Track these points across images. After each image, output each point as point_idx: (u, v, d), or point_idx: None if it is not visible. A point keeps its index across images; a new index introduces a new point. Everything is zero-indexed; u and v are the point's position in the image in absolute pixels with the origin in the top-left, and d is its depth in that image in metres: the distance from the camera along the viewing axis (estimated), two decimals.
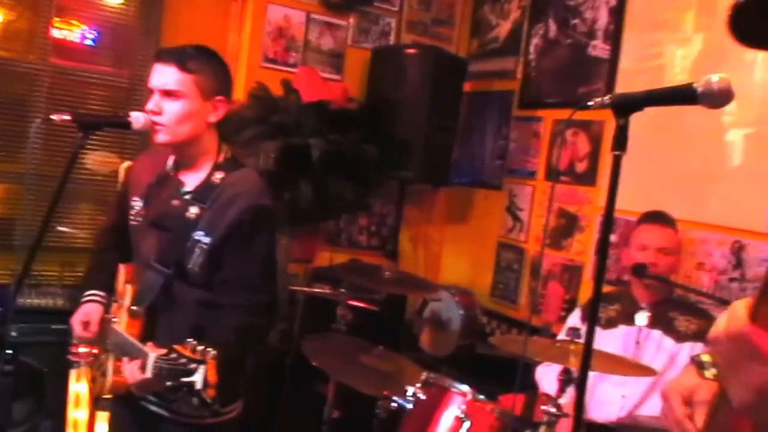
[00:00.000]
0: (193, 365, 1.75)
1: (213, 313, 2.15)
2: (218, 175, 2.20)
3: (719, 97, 1.34)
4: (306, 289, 3.96)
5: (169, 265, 2.16)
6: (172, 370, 1.76)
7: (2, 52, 3.84)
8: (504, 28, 4.61)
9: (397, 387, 2.83)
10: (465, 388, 2.65)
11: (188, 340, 1.82)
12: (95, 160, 3.89)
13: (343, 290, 3.46)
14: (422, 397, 2.72)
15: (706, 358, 1.44)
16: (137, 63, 4.03)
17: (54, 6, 3.87)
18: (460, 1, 4.88)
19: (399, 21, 4.66)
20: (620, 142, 1.50)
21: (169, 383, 1.77)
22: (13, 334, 3.32)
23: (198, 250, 2.14)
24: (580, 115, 1.51)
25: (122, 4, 4.07)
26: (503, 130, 4.53)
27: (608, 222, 1.54)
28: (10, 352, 2.26)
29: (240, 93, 4.15)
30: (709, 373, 1.42)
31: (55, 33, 3.89)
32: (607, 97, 1.50)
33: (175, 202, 2.21)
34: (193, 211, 2.17)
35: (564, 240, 4.04)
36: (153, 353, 1.82)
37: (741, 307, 0.79)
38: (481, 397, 2.63)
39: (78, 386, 2.33)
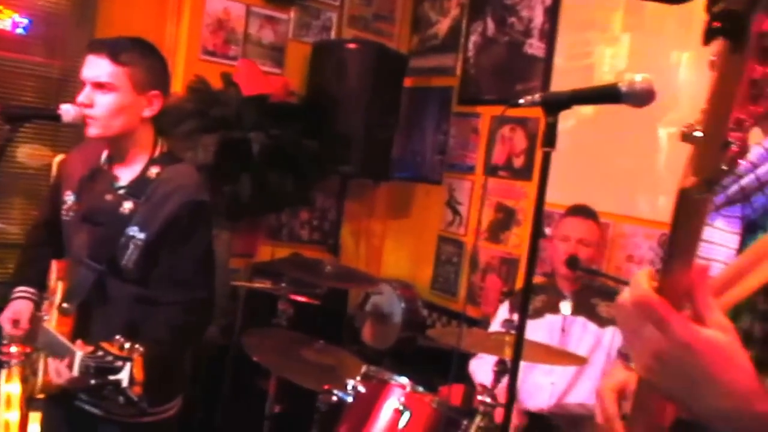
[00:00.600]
0: (119, 363, 1.74)
1: (148, 309, 2.12)
2: (154, 170, 2.17)
3: (642, 97, 1.39)
4: (247, 284, 3.94)
5: (102, 261, 2.12)
6: (99, 368, 1.74)
7: None
8: (444, 25, 4.65)
9: (338, 381, 2.83)
10: (404, 380, 2.68)
11: (116, 337, 1.80)
12: (27, 153, 3.79)
13: (284, 285, 3.45)
14: (362, 390, 2.73)
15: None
16: (70, 54, 3.89)
17: None
18: None
19: (340, 16, 4.65)
20: (549, 139, 1.55)
21: (95, 381, 1.74)
22: None
23: (132, 246, 2.10)
24: (517, 112, 1.56)
25: None
26: (443, 125, 4.59)
27: (538, 216, 1.60)
28: None
29: (178, 86, 4.08)
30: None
31: None
32: (537, 96, 1.55)
33: (109, 197, 2.16)
34: (127, 206, 2.13)
35: (502, 233, 4.12)
36: (80, 351, 1.80)
37: (643, 276, 0.81)
38: (420, 388, 2.66)
39: (9, 387, 2.26)
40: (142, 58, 2.14)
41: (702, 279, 0.78)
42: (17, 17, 3.84)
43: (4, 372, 2.28)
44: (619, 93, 1.40)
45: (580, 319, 3.05)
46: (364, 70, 4.16)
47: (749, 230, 1.07)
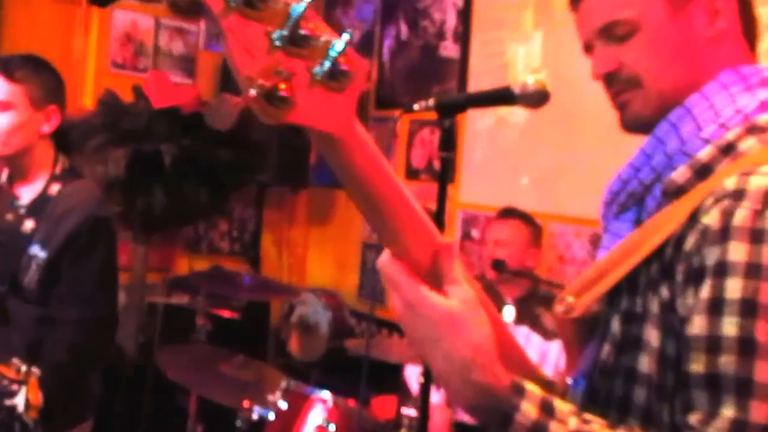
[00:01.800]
0: (14, 386, 1.70)
1: (49, 329, 2.06)
2: (55, 187, 2.14)
3: (535, 99, 1.38)
4: (164, 299, 3.84)
5: (3, 281, 2.08)
6: None
7: None
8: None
9: (259, 396, 2.79)
10: (326, 394, 2.66)
11: (13, 360, 1.76)
12: None
13: (201, 299, 3.37)
14: (283, 405, 2.69)
15: None
16: None
17: None
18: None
19: None
20: (446, 143, 1.51)
21: None
22: None
23: (34, 265, 2.07)
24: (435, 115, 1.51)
25: None
26: None
27: (439, 222, 1.56)
28: None
29: (88, 100, 4.01)
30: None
31: None
32: (430, 101, 1.51)
33: (9, 216, 2.13)
34: (29, 224, 2.10)
35: None
36: None
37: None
38: (342, 402, 2.64)
39: None
40: (37, 73, 2.12)
41: (447, 254, 0.87)
42: None
43: None
44: (513, 95, 1.38)
45: (524, 329, 2.89)
46: None
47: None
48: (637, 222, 1.03)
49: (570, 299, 1.03)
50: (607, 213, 1.14)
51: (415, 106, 1.52)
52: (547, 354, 2.86)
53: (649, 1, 1.03)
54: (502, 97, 1.43)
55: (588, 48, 1.12)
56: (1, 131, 2.04)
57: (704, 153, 0.95)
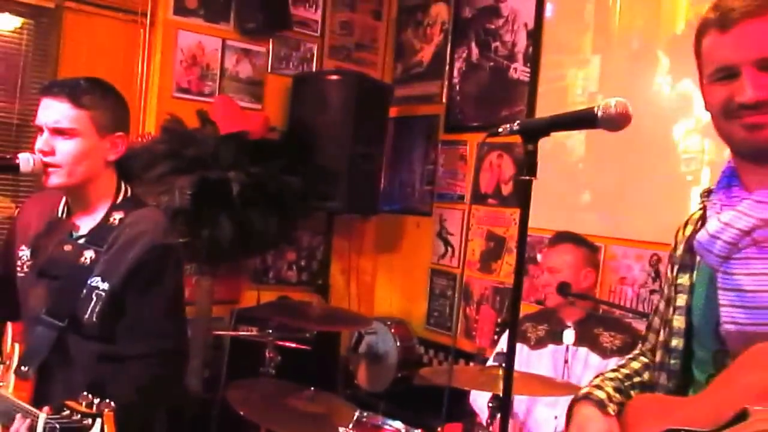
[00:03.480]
0: (88, 420, 1.61)
1: (113, 367, 1.98)
2: (117, 216, 2.05)
3: (617, 121, 1.37)
4: (230, 332, 3.78)
5: (62, 317, 1.98)
6: (66, 428, 1.61)
7: None
8: (427, 52, 4.59)
9: (331, 429, 2.73)
10: (398, 424, 2.69)
11: (84, 393, 1.66)
12: None
13: (270, 331, 3.31)
14: None
15: (601, 394, 1.50)
16: (30, 96, 3.75)
17: None
18: (382, 25, 4.83)
19: (320, 46, 4.57)
20: (529, 167, 1.48)
21: None
22: None
23: (95, 297, 1.97)
24: (504, 138, 1.48)
25: (16, 30, 3.82)
26: (430, 154, 4.50)
27: (522, 246, 1.54)
28: None
29: (151, 126, 3.98)
30: (611, 409, 1.47)
31: None
32: (515, 124, 1.49)
33: (67, 248, 2.04)
34: (88, 255, 2.01)
35: (493, 263, 4.02)
36: (43, 414, 1.66)
37: None
38: (416, 431, 2.60)
39: None
40: (104, 99, 2.04)
41: None
42: None
43: None
44: (595, 118, 1.38)
45: (583, 350, 2.96)
46: (346, 101, 4.06)
47: None
48: None
49: None
50: (729, 251, 1.28)
51: (500, 130, 1.51)
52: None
53: None
54: (585, 120, 1.42)
55: (726, 72, 1.27)
56: (66, 159, 1.97)
57: None
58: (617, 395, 1.51)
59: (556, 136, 3.40)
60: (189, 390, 3.83)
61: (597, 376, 1.63)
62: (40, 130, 2.00)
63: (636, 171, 3.33)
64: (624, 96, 1.38)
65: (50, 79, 3.61)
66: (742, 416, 1.17)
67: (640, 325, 3.02)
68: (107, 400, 1.65)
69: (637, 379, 1.57)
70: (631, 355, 1.65)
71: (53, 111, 1.97)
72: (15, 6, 3.77)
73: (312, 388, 2.97)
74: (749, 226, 1.25)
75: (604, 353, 2.92)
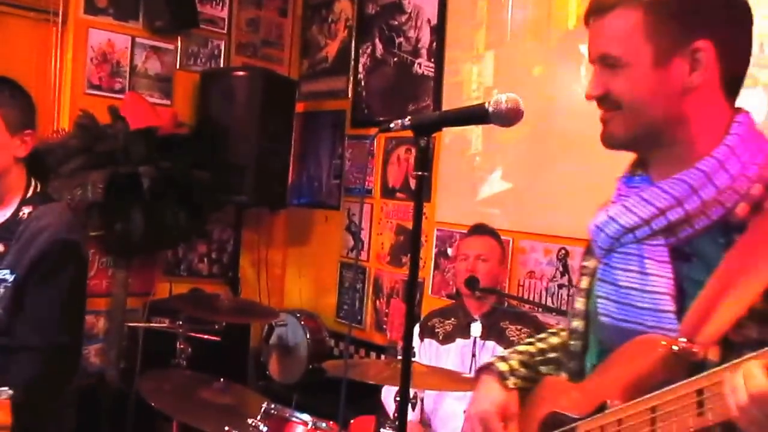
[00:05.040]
0: None
1: (11, 358, 2.00)
2: (26, 210, 2.10)
3: (509, 116, 1.37)
4: (143, 324, 3.79)
5: None
6: None
7: None
8: (332, 48, 4.64)
9: (240, 421, 2.75)
10: (306, 417, 2.65)
11: None
12: None
13: (181, 323, 3.33)
14: (263, 429, 2.66)
15: (503, 366, 1.50)
16: None
17: None
18: (288, 22, 4.87)
19: (228, 43, 4.59)
20: (422, 162, 1.47)
21: None
22: None
23: (3, 289, 2.01)
24: (407, 133, 1.51)
25: None
26: (338, 149, 4.55)
27: (416, 240, 1.54)
28: None
29: (65, 122, 3.95)
30: (512, 382, 1.47)
31: None
32: (407, 119, 1.49)
33: None
34: None
35: (404, 256, 4.08)
36: None
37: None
38: (323, 424, 2.62)
39: None
40: (13, 98, 2.10)
41: None
42: None
43: None
44: (486, 113, 1.37)
45: (490, 344, 2.98)
46: (253, 97, 4.09)
47: (681, 258, 1.20)
48: (670, 247, 1.19)
49: (683, 341, 1.12)
50: (612, 245, 1.26)
51: (392, 125, 1.49)
52: None
53: (639, 47, 1.20)
54: (477, 115, 1.42)
55: (592, 66, 1.28)
56: None
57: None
58: (522, 369, 1.50)
59: (465, 130, 3.60)
60: (106, 380, 3.82)
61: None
62: None
63: (542, 164, 3.36)
64: (520, 91, 1.37)
65: None
66: (601, 409, 1.20)
67: (548, 319, 3.08)
68: (5, 388, 1.68)
69: (552, 355, 1.54)
70: (553, 329, 1.64)
71: None
72: None
73: (222, 380, 2.99)
74: (631, 223, 1.22)
75: (511, 346, 2.93)
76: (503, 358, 1.54)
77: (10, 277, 2.02)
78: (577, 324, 1.40)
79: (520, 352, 1.56)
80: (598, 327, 1.30)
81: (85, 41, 4.05)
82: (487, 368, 1.53)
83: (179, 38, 4.37)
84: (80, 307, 2.16)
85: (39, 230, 2.05)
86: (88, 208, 3.51)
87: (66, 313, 2.08)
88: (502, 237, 3.22)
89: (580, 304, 1.39)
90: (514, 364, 1.51)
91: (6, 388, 1.68)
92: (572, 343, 1.41)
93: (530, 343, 1.60)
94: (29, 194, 2.13)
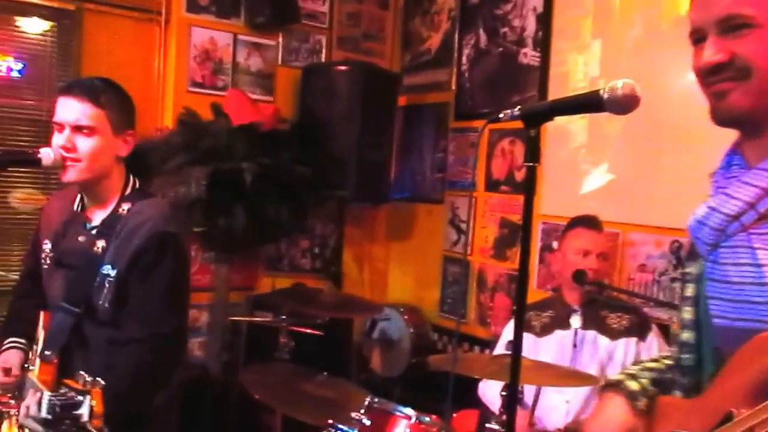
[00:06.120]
0: (79, 397, 1.70)
1: (116, 351, 2.07)
2: (125, 207, 2.16)
3: (625, 103, 1.31)
4: (246, 318, 3.85)
5: (79, 304, 2.09)
6: (64, 405, 1.70)
7: None
8: (435, 40, 4.59)
9: (343, 414, 2.76)
10: (409, 411, 2.63)
11: (80, 372, 1.75)
12: (18, 198, 3.74)
13: (283, 317, 3.37)
14: (366, 423, 2.66)
15: (634, 385, 1.39)
16: (56, 94, 3.87)
17: None
18: (389, 15, 4.84)
19: (329, 38, 4.60)
20: (532, 153, 1.43)
21: (58, 418, 1.71)
22: None
23: (107, 284, 2.08)
24: (516, 124, 1.46)
25: (42, 32, 3.93)
26: (441, 142, 4.50)
27: (526, 233, 1.52)
28: None
29: (168, 120, 4.05)
30: (642, 404, 1.36)
31: None
32: (516, 109, 1.44)
33: (81, 238, 2.16)
34: (100, 245, 2.12)
35: (508, 250, 4.02)
36: (47, 391, 1.75)
37: None
38: (426, 418, 2.60)
39: None
40: (118, 99, 2.16)
41: None
42: (12, 61, 3.82)
43: (5, 423, 2.22)
44: (601, 101, 1.31)
45: (591, 333, 2.97)
46: (354, 91, 4.08)
47: None
48: None
49: None
50: (717, 238, 1.18)
51: (501, 115, 1.45)
52: (613, 353, 2.93)
53: None
54: (590, 103, 1.35)
55: (697, 35, 1.20)
56: (85, 156, 2.07)
57: None
58: (653, 387, 1.39)
59: (570, 122, 3.50)
60: (209, 373, 3.91)
61: (636, 363, 1.53)
62: (60, 127, 2.08)
63: (651, 155, 3.28)
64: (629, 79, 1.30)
65: (72, 78, 3.71)
66: (727, 420, 1.10)
67: (659, 313, 3.05)
68: (97, 379, 1.72)
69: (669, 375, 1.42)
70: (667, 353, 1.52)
71: (74, 109, 2.06)
72: (40, 9, 3.89)
73: (324, 373, 3.02)
74: (736, 210, 1.15)
75: (613, 335, 2.93)
76: (633, 376, 1.43)
77: (113, 272, 2.08)
78: (688, 336, 1.31)
79: (650, 369, 1.46)
80: (712, 333, 1.21)
81: (187, 39, 4.13)
82: (614, 385, 1.42)
83: (280, 34, 4.41)
84: (183, 297, 2.19)
85: (138, 225, 2.10)
86: (191, 204, 3.57)
87: (168, 305, 2.12)
88: (610, 230, 3.18)
89: (687, 313, 1.31)
90: (645, 382, 1.40)
91: (99, 378, 1.73)
92: (684, 357, 1.32)
93: (658, 360, 1.50)
94: (128, 191, 2.19)
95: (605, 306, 2.99)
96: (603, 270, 3.02)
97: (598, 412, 1.43)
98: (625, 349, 2.90)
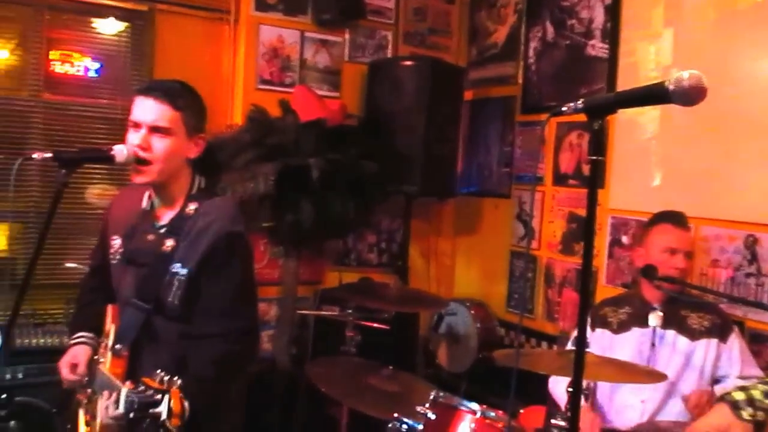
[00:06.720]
0: (158, 396, 1.77)
1: (192, 344, 2.13)
2: (192, 206, 2.21)
3: (691, 94, 1.30)
4: (313, 311, 3.91)
5: (149, 300, 2.16)
6: (142, 403, 1.78)
7: None
8: (501, 33, 4.55)
9: (408, 408, 2.78)
10: (474, 405, 2.63)
11: (157, 371, 1.83)
12: (94, 193, 3.88)
13: (350, 311, 3.40)
14: (432, 417, 2.67)
15: (739, 396, 1.41)
16: (131, 93, 3.99)
17: (45, 40, 3.88)
18: (455, 9, 4.82)
19: (395, 33, 4.61)
20: (597, 146, 1.45)
21: (137, 415, 1.78)
22: (19, 375, 3.33)
23: (176, 282, 2.14)
24: (581, 117, 1.45)
25: (117, 34, 4.07)
26: (508, 136, 4.46)
27: (590, 227, 1.51)
28: (4, 396, 2.27)
29: (237, 117, 4.13)
30: (746, 413, 1.38)
31: (54, 67, 3.90)
32: (580, 102, 1.45)
33: (151, 237, 2.21)
34: (169, 244, 2.17)
35: (576, 245, 3.96)
36: (125, 388, 1.82)
37: None
38: (492, 413, 2.60)
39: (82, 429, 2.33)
40: (194, 103, 2.21)
41: None
42: (87, 62, 3.97)
43: (81, 412, 2.32)
44: (667, 92, 1.30)
45: (670, 333, 2.87)
46: (421, 86, 4.07)
47: None
48: None
49: None
50: None
51: (564, 109, 1.46)
52: (692, 355, 2.83)
53: None
54: (655, 94, 1.35)
55: None
56: (159, 156, 2.12)
57: None
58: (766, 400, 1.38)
59: (641, 113, 3.42)
60: (277, 366, 3.98)
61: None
62: (136, 126, 2.13)
63: (726, 146, 3.17)
64: (701, 70, 1.29)
65: (147, 77, 3.89)
66: None
67: (734, 311, 2.97)
68: (175, 378, 1.80)
69: None
70: None
71: (153, 111, 2.11)
72: (115, 11, 4.03)
73: (390, 367, 3.05)
74: None
75: (693, 335, 2.83)
76: (743, 388, 1.46)
77: (183, 271, 2.13)
78: None
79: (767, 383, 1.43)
80: None
81: (256, 38, 4.20)
82: (721, 398, 1.46)
83: (347, 30, 4.44)
84: (253, 292, 2.25)
85: (207, 225, 2.15)
86: (259, 200, 3.63)
87: (241, 300, 2.18)
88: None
89: None
90: (756, 394, 1.43)
91: (177, 378, 1.80)
92: None
93: None
94: (194, 191, 2.24)
95: (686, 305, 2.90)
96: (688, 269, 2.92)
97: (704, 418, 1.45)
98: (705, 350, 2.81)
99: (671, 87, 1.29)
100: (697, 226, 3.24)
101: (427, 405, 2.68)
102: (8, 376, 3.31)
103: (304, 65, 4.33)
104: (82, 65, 3.98)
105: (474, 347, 4.18)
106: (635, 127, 3.55)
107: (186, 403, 1.80)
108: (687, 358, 2.82)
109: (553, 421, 2.48)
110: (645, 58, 3.56)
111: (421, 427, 2.67)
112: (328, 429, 3.36)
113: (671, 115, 3.39)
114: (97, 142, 3.93)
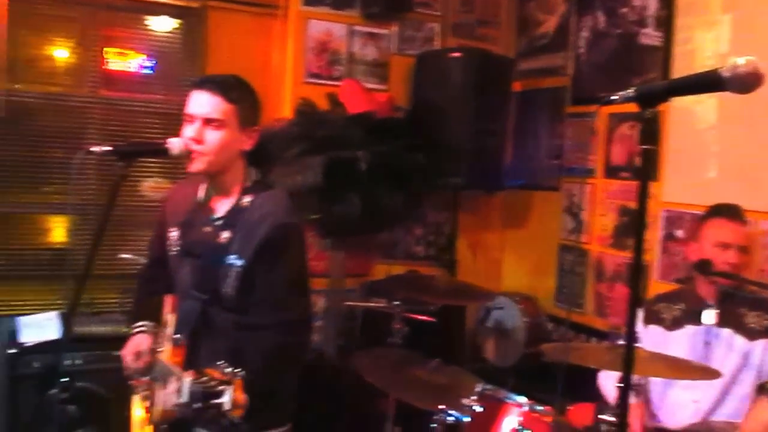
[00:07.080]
0: (221, 387, 1.81)
1: (247, 335, 2.16)
2: (247, 199, 2.24)
3: (747, 81, 1.26)
4: (361, 303, 3.93)
5: (206, 291, 2.21)
6: (204, 393, 1.82)
7: (53, 87, 3.94)
8: (551, 23, 4.49)
9: (455, 400, 2.78)
10: (521, 399, 2.66)
11: (219, 362, 1.87)
12: (149, 186, 3.96)
13: (397, 303, 3.41)
14: (478, 409, 2.68)
15: None
16: (185, 88, 4.07)
17: (101, 39, 3.98)
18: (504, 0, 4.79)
19: (443, 25, 4.59)
20: (648, 136, 1.40)
21: (200, 405, 1.82)
22: (78, 361, 3.42)
23: (232, 273, 2.17)
24: (635, 108, 1.42)
25: (170, 31, 4.16)
26: (557, 128, 4.41)
27: (641, 221, 1.47)
28: (66, 379, 2.34)
29: (286, 110, 4.17)
30: None
31: (110, 64, 4.01)
32: (631, 90, 1.42)
33: (207, 229, 2.25)
34: (225, 236, 2.21)
35: (628, 239, 3.89)
36: (187, 378, 1.87)
37: None
38: (539, 408, 2.59)
39: (140, 412, 2.37)
40: (247, 96, 2.24)
41: None
42: (142, 59, 4.08)
43: (137, 398, 2.37)
44: (722, 79, 1.27)
45: (726, 331, 2.80)
46: (468, 78, 4.04)
47: None
48: None
49: None
50: None
51: (615, 98, 1.44)
52: (750, 355, 2.76)
53: None
54: (709, 82, 1.32)
55: None
56: (213, 148, 2.15)
57: None
58: None
59: (696, 103, 3.34)
60: (324, 357, 4.01)
61: None
62: (191, 119, 2.17)
63: None
64: (763, 57, 1.26)
65: (199, 73, 3.96)
66: None
67: None
68: (238, 369, 1.84)
69: None
70: None
71: (206, 103, 2.15)
72: (167, 8, 4.13)
73: (437, 360, 3.05)
74: None
75: (750, 334, 2.75)
76: None
77: (238, 262, 2.16)
78: None
79: None
80: None
81: (304, 32, 4.24)
82: (762, 386, 1.39)
83: (394, 23, 4.44)
84: (306, 284, 2.28)
85: (261, 217, 2.18)
86: (308, 192, 3.66)
87: (295, 291, 2.22)
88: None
89: None
90: None
91: (239, 370, 1.84)
92: None
93: None
94: (248, 183, 2.27)
95: (744, 302, 2.81)
96: (742, 265, 2.82)
97: (749, 414, 1.40)
98: (763, 350, 2.73)
99: (726, 74, 1.26)
100: (756, 220, 3.13)
101: (474, 398, 2.69)
102: (68, 362, 3.40)
103: (352, 59, 4.35)
104: (137, 62, 4.08)
105: (521, 342, 4.15)
106: (691, 117, 3.47)
107: (245, 395, 1.84)
108: (744, 358, 2.75)
109: (601, 416, 2.46)
110: (701, 46, 3.47)
111: (467, 419, 2.68)
112: (375, 420, 3.38)
113: (729, 103, 3.29)
114: (152, 136, 4.03)
